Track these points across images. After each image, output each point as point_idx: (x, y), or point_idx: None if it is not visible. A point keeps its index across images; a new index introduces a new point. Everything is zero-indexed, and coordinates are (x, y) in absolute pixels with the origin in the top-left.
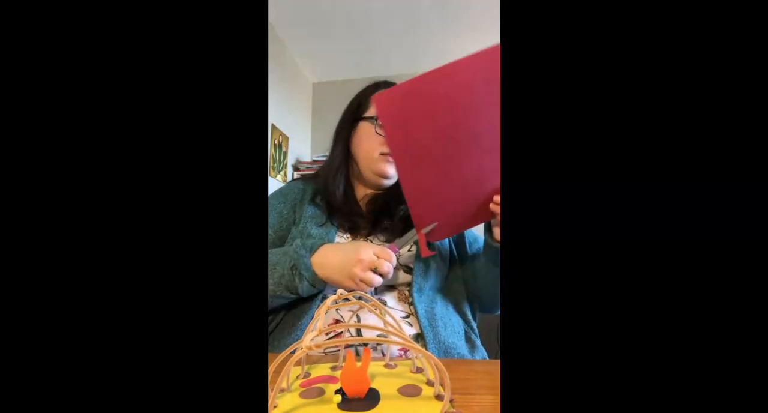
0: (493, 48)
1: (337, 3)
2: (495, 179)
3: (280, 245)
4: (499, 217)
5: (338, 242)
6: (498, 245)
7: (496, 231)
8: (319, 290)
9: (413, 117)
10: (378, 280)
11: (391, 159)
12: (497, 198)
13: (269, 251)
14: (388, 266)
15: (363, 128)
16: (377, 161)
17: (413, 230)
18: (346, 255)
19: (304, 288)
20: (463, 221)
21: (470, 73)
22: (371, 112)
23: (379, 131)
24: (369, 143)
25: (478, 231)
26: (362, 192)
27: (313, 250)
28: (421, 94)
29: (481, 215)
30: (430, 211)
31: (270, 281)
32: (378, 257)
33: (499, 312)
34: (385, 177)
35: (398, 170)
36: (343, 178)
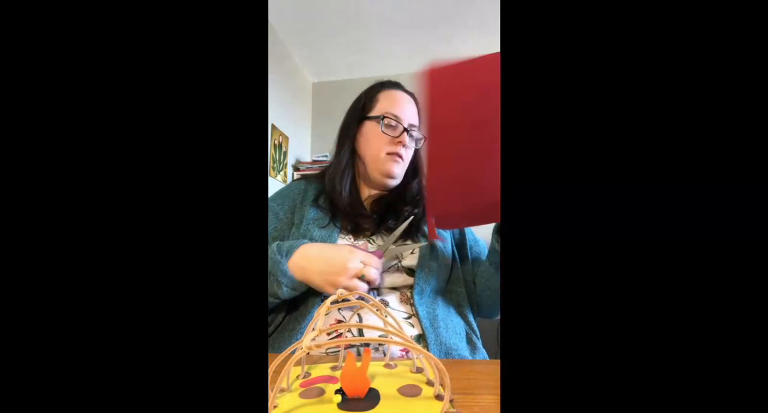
0: None
1: (337, 3)
2: None
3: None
4: None
5: (319, 243)
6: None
7: None
8: (301, 291)
9: (461, 99)
10: (364, 287)
11: (397, 159)
12: None
13: None
14: (374, 274)
15: (368, 127)
16: (384, 160)
17: (395, 233)
18: (330, 262)
19: (284, 293)
20: (477, 215)
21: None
22: (376, 111)
23: (385, 130)
24: (375, 142)
25: (478, 234)
26: (366, 193)
27: (289, 253)
28: (474, 77)
29: (495, 213)
30: (448, 197)
31: None
32: (365, 265)
33: (495, 318)
34: (391, 177)
35: (430, 149)
36: (350, 178)
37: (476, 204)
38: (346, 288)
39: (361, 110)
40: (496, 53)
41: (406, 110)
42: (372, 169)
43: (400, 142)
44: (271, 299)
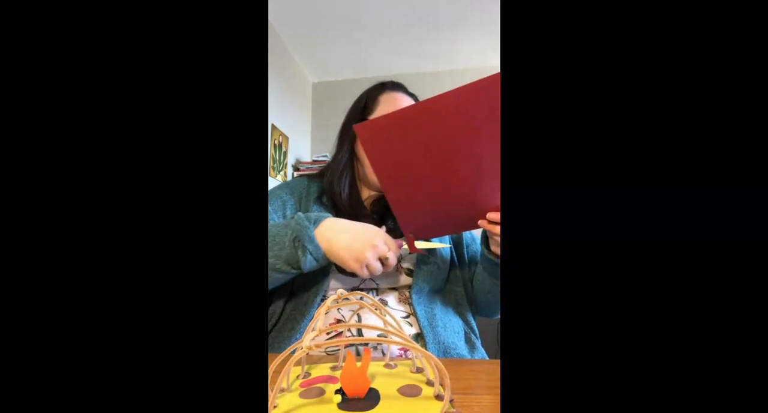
0: (489, 78)
1: (337, 3)
2: (490, 200)
3: None
4: (492, 233)
5: (345, 219)
6: (493, 258)
7: (493, 246)
8: (322, 265)
9: (397, 145)
10: (380, 271)
11: None
12: (491, 215)
13: (268, 224)
14: (393, 260)
15: None
16: None
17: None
18: (358, 236)
19: (306, 263)
20: (451, 227)
21: (463, 104)
22: (376, 113)
23: None
24: None
25: (476, 232)
26: (366, 193)
27: (317, 222)
28: (406, 124)
29: (468, 226)
30: (417, 218)
31: (269, 254)
32: (389, 249)
33: (494, 317)
34: None
35: (383, 188)
36: (348, 179)
37: (448, 219)
38: (368, 267)
39: (361, 111)
40: (437, 96)
41: None
42: (370, 172)
43: None
44: (288, 269)
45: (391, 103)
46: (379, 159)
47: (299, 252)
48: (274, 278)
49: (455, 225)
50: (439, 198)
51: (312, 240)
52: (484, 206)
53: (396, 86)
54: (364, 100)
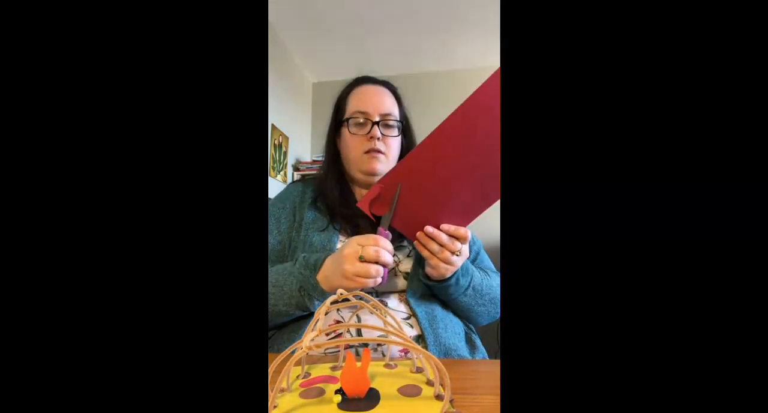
0: None
1: (337, 3)
2: (447, 216)
3: (280, 249)
4: (421, 248)
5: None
6: (424, 280)
7: (428, 268)
8: None
9: (490, 121)
10: (374, 269)
11: (376, 155)
12: (429, 229)
13: (275, 267)
14: (374, 251)
15: (344, 130)
16: (362, 159)
17: (393, 205)
18: (336, 258)
19: (315, 306)
20: (408, 223)
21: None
22: (347, 114)
23: (354, 129)
24: (351, 143)
25: (480, 237)
26: (360, 193)
27: (317, 267)
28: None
29: (411, 234)
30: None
31: (280, 301)
32: (362, 246)
33: (477, 325)
34: (374, 174)
35: (424, 144)
36: (336, 181)
37: (418, 212)
38: (356, 274)
39: (335, 114)
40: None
41: (374, 102)
42: (355, 170)
43: (372, 136)
44: (300, 312)
45: (358, 96)
46: (471, 114)
47: (306, 300)
48: (289, 319)
49: (414, 225)
50: (444, 185)
51: (315, 287)
52: (437, 218)
53: (363, 80)
54: (336, 104)
